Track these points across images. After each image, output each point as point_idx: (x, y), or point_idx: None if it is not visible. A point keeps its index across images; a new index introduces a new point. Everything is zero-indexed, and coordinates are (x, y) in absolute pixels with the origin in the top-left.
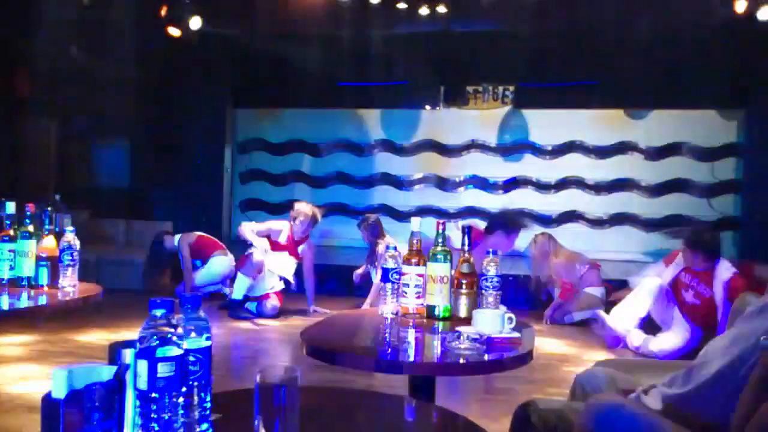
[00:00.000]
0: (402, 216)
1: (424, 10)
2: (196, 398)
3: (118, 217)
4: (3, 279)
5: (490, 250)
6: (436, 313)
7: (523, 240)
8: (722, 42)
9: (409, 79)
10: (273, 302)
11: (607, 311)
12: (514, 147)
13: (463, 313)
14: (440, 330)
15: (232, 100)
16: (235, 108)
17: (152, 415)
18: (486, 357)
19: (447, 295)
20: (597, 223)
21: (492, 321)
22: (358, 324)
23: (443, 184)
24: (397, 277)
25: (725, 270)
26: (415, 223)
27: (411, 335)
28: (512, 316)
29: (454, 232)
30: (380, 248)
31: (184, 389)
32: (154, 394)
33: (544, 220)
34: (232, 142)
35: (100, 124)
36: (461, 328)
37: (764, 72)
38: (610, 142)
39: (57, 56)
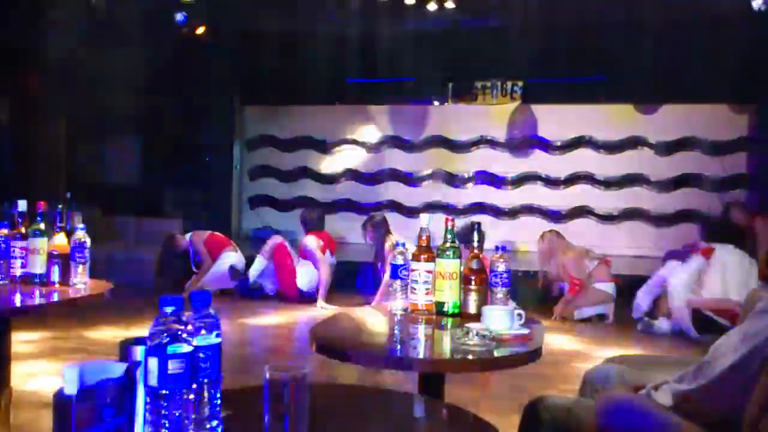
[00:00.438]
0: (410, 212)
1: (432, 6)
2: (206, 395)
3: (129, 214)
4: (15, 276)
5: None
6: (445, 309)
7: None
8: (732, 36)
9: (418, 75)
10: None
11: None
12: (522, 142)
13: (472, 309)
14: (449, 327)
15: (240, 97)
16: (243, 105)
17: (163, 412)
18: (495, 353)
19: (456, 292)
20: (607, 218)
21: (501, 317)
22: (368, 321)
23: (452, 180)
24: (406, 273)
25: None
26: (424, 219)
27: (420, 332)
28: (521, 312)
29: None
30: (387, 246)
31: (194, 386)
32: (164, 391)
33: (554, 216)
34: (240, 139)
35: (110, 123)
36: (470, 325)
37: None
38: (619, 137)
39: (67, 55)
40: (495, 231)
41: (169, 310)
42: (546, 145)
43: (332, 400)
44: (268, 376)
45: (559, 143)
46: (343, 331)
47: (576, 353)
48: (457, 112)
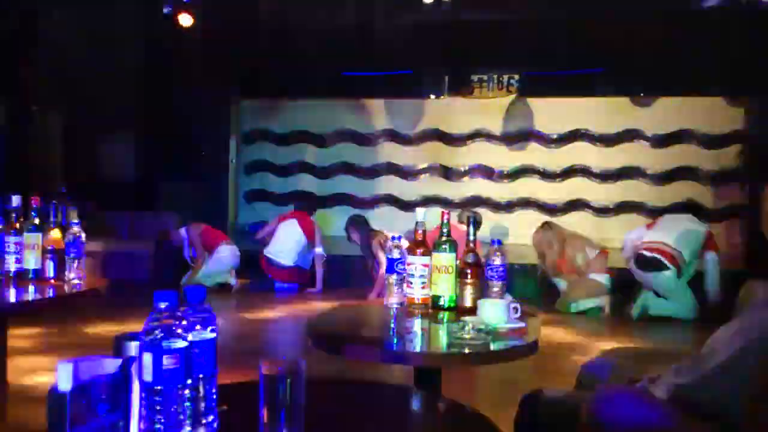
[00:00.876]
0: (407, 206)
1: None
2: (201, 390)
3: (124, 209)
4: (10, 272)
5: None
6: (442, 303)
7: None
8: (728, 28)
9: (414, 69)
10: None
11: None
12: (519, 136)
13: (468, 303)
14: (446, 320)
15: (236, 91)
16: (239, 99)
17: (158, 408)
18: (491, 347)
19: (452, 286)
20: (603, 211)
21: (497, 311)
22: (364, 315)
23: (448, 173)
24: (402, 267)
25: None
26: (420, 213)
27: (417, 326)
28: (517, 305)
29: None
30: (375, 243)
31: (189, 381)
32: (159, 387)
33: (550, 209)
34: (236, 133)
35: (105, 117)
36: (467, 319)
37: None
38: (615, 129)
39: (62, 50)
40: (491, 224)
41: (163, 305)
42: (542, 139)
43: (328, 395)
44: (263, 370)
45: (555, 136)
46: (339, 325)
47: (572, 346)
48: (453, 106)
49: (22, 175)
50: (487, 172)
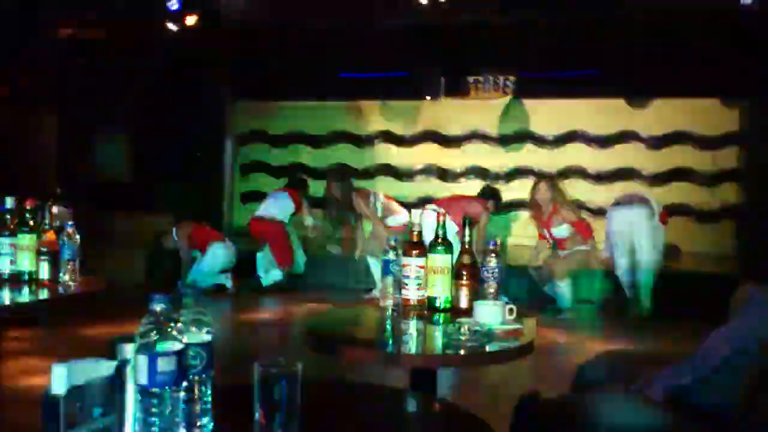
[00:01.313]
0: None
1: (423, 0)
2: (196, 392)
3: (119, 210)
4: (4, 274)
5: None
6: (437, 304)
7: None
8: (724, 30)
9: (410, 70)
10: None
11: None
12: (515, 137)
13: (464, 304)
14: (441, 322)
15: (231, 92)
16: (234, 100)
17: (153, 410)
18: (487, 348)
19: (448, 287)
20: (599, 213)
21: (493, 312)
22: (359, 316)
23: (444, 175)
24: (398, 269)
25: None
26: (416, 214)
27: (412, 327)
28: (513, 307)
29: (426, 217)
30: (357, 196)
31: (184, 384)
32: (154, 389)
33: None
34: (232, 134)
35: (100, 118)
36: (462, 320)
37: (767, 60)
38: (611, 131)
39: (57, 50)
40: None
41: (158, 307)
42: (538, 140)
43: (324, 396)
44: (259, 372)
45: (551, 138)
46: (335, 326)
47: (568, 348)
48: (449, 107)
49: (16, 176)
50: (483, 174)
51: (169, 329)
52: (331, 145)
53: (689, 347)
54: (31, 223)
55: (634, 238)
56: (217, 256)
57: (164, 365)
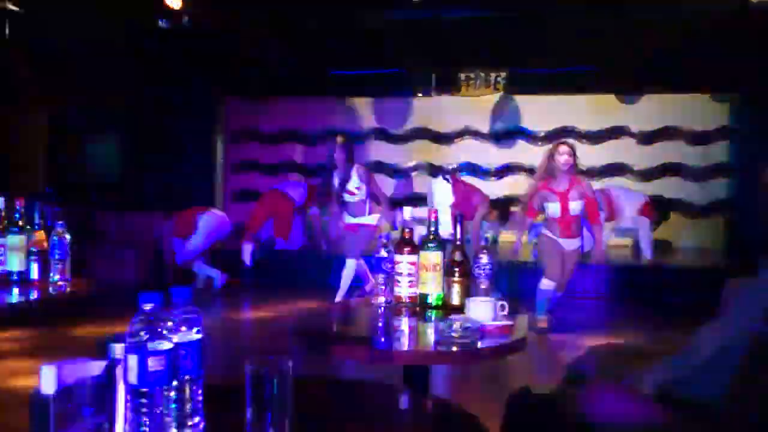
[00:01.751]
0: (395, 205)
1: None
2: (187, 392)
3: (110, 209)
4: None
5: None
6: (429, 301)
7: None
8: (714, 25)
9: (401, 67)
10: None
11: None
12: (506, 133)
13: (456, 301)
14: (433, 318)
15: (223, 90)
16: (226, 98)
17: (143, 410)
18: (479, 345)
19: (440, 284)
20: None
21: (485, 309)
22: (351, 314)
23: (436, 171)
24: (390, 266)
25: None
26: (407, 212)
27: (404, 324)
28: (505, 303)
29: (439, 184)
30: (359, 166)
31: (175, 383)
32: (144, 389)
33: None
34: (223, 132)
35: (91, 117)
36: (454, 317)
37: (756, 55)
38: (602, 127)
39: (48, 49)
40: None
41: (149, 306)
42: (529, 136)
43: (315, 394)
44: (250, 370)
45: (542, 134)
46: (326, 324)
47: (560, 343)
48: (440, 104)
49: (6, 175)
50: (475, 170)
51: (160, 329)
52: (323, 143)
53: (679, 341)
54: (21, 222)
55: None
56: (207, 224)
57: (154, 364)
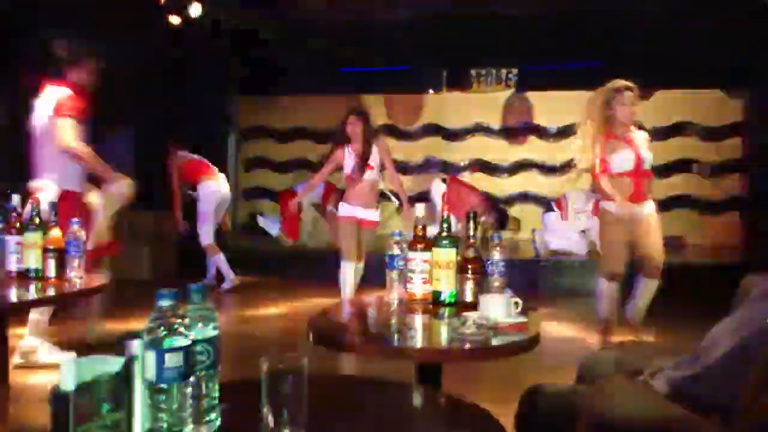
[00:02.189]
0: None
1: None
2: (203, 388)
3: (123, 207)
4: (11, 271)
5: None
6: (443, 298)
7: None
8: (726, 21)
9: (412, 64)
10: None
11: None
12: (518, 130)
13: (469, 298)
14: (447, 316)
15: (235, 87)
16: (238, 96)
17: (161, 406)
18: (493, 342)
19: (453, 281)
20: None
21: (498, 306)
22: (365, 311)
23: (447, 168)
24: (403, 263)
25: None
26: (420, 208)
27: (418, 321)
28: (518, 300)
29: (436, 184)
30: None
31: (191, 379)
32: (162, 385)
33: (550, 203)
34: (235, 129)
35: (103, 114)
36: (468, 314)
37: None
38: None
39: (59, 45)
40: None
41: (165, 303)
42: (541, 133)
43: (330, 391)
44: (266, 367)
45: (554, 130)
46: (340, 321)
47: (573, 340)
48: (451, 101)
49: (21, 174)
50: (486, 167)
51: (176, 325)
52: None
53: (694, 339)
54: (37, 220)
55: None
56: (208, 196)
57: (172, 361)
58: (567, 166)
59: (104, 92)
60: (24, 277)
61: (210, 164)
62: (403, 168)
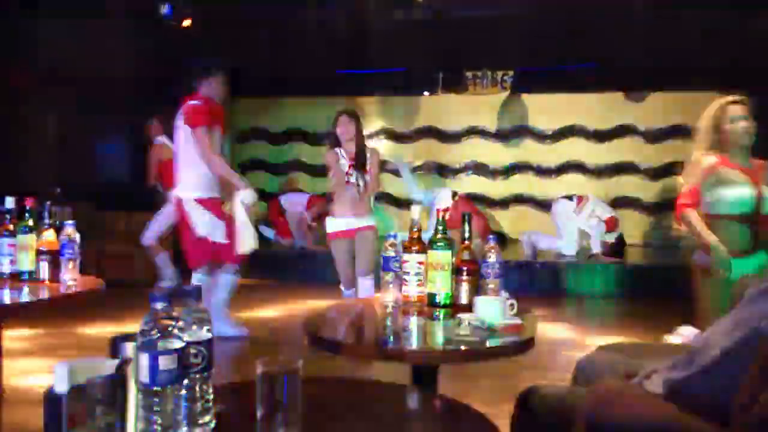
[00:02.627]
0: (402, 204)
1: None
2: (198, 390)
3: (120, 209)
4: (4, 273)
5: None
6: (438, 300)
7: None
8: (721, 22)
9: (408, 66)
10: None
11: None
12: (513, 132)
13: (464, 300)
14: (442, 318)
15: (230, 89)
16: (233, 97)
17: (155, 408)
18: (488, 344)
19: (448, 283)
20: None
21: (493, 308)
22: (360, 313)
23: (443, 170)
24: (398, 265)
25: None
26: (415, 211)
27: (413, 323)
28: (514, 302)
29: (443, 197)
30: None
31: (186, 382)
32: (156, 388)
33: (545, 205)
34: (231, 132)
35: (100, 116)
36: (463, 316)
37: (764, 53)
38: (609, 125)
39: (57, 49)
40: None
41: (159, 306)
42: (536, 135)
43: (325, 393)
44: (260, 369)
45: (549, 132)
46: (335, 323)
47: (568, 342)
48: (447, 103)
49: (16, 175)
50: (482, 169)
51: (170, 328)
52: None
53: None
54: (31, 222)
55: None
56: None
57: (165, 363)
58: (561, 169)
59: (101, 96)
60: (17, 279)
61: None
62: (398, 170)
